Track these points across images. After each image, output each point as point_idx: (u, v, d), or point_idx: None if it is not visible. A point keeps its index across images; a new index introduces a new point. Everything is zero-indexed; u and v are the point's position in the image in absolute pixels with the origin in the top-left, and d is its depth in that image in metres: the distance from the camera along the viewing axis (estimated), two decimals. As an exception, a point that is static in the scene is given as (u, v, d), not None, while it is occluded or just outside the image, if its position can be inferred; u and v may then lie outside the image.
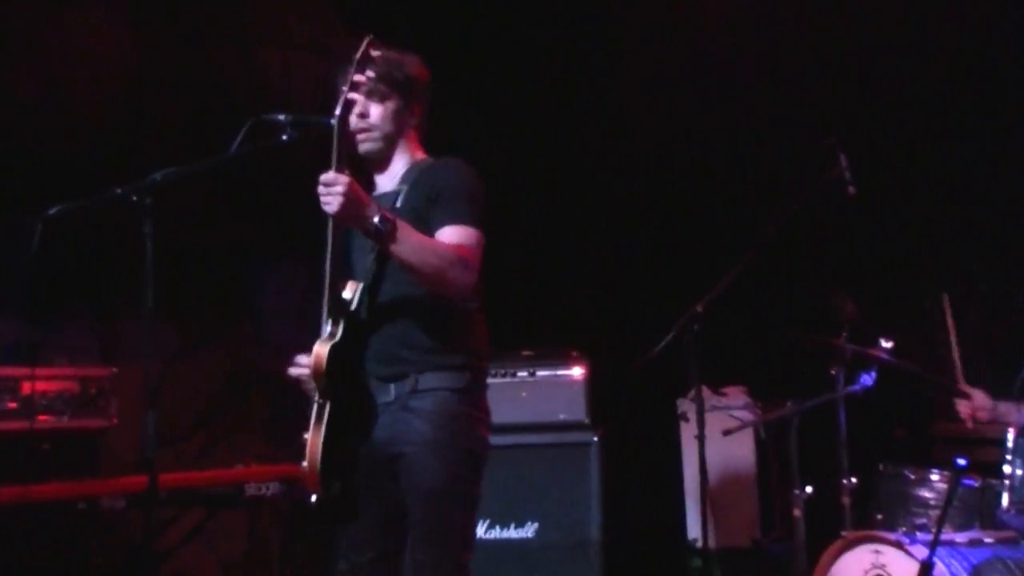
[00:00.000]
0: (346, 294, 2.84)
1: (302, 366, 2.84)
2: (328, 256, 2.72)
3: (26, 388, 3.90)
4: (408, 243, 2.69)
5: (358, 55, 2.74)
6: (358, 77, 2.73)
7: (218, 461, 4.91)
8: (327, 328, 2.77)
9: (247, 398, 5.83)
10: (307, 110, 3.09)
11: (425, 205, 2.85)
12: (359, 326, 2.83)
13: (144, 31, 5.38)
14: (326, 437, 2.71)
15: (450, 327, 2.85)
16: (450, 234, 2.80)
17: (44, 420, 3.97)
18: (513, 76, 5.61)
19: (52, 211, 2.93)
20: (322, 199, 2.63)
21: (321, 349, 2.73)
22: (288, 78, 5.74)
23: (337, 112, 2.73)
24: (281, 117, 2.87)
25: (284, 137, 2.88)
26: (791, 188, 4.13)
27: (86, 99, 5.27)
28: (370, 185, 3.01)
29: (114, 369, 4.25)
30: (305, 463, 2.72)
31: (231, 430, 5.66)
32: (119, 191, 2.85)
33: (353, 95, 2.74)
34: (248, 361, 5.75)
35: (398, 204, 2.88)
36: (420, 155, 3.02)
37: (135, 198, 2.83)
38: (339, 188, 2.61)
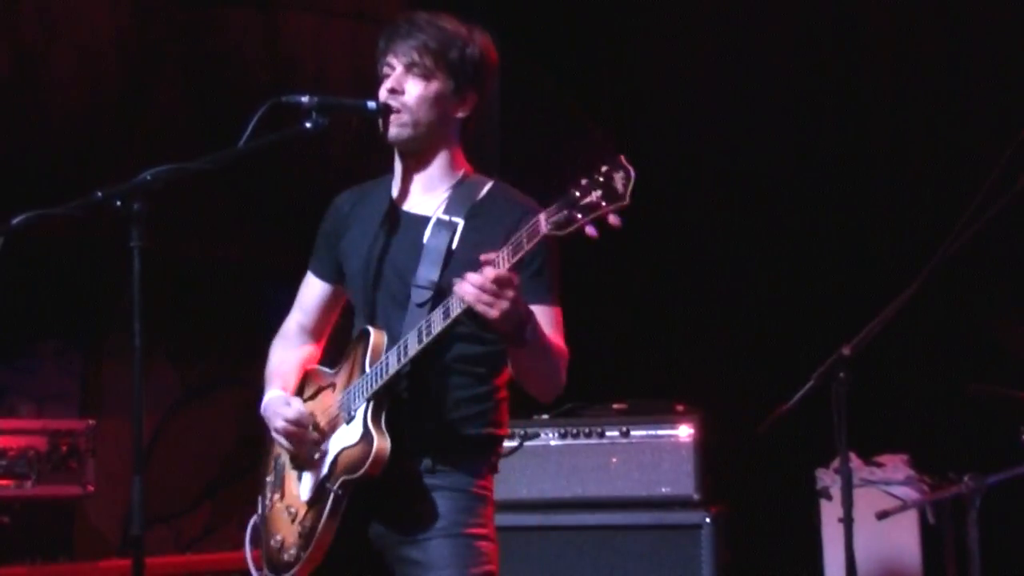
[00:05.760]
0: (374, 341, 2.88)
1: (300, 425, 2.93)
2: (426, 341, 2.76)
3: (-22, 444, 3.96)
4: (534, 347, 2.78)
5: (624, 191, 2.59)
6: (614, 220, 2.58)
7: (224, 541, 4.89)
8: (367, 407, 2.84)
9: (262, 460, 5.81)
10: (343, 91, 3.07)
11: None
12: (396, 397, 2.89)
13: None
14: (337, 538, 2.85)
15: (486, 405, 2.96)
16: (540, 317, 2.85)
17: (3, 485, 3.97)
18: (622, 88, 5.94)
19: (17, 220, 2.91)
20: (482, 298, 2.63)
21: (384, 445, 2.81)
22: (320, 50, 5.75)
23: (546, 228, 2.60)
24: (305, 99, 2.86)
25: (309, 125, 2.87)
26: (969, 196, 4.02)
27: (67, 79, 5.32)
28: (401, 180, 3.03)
29: (91, 421, 4.25)
30: (305, 553, 2.85)
31: (242, 501, 5.65)
32: (100, 195, 2.85)
33: (591, 230, 2.58)
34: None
35: (455, 244, 2.90)
36: (464, 168, 3.03)
37: (120, 204, 2.82)
38: (510, 294, 2.64)
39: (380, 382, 2.81)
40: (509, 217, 2.89)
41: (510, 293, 2.63)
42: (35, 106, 5.30)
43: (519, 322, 2.69)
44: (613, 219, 2.58)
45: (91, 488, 4.21)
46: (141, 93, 5.54)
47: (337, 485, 2.83)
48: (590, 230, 2.59)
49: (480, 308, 2.63)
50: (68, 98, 5.35)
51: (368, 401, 2.83)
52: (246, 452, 5.73)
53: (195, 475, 5.62)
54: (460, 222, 2.90)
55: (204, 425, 5.72)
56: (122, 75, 5.47)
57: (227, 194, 5.54)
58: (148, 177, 2.84)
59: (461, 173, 3.00)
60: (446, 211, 2.93)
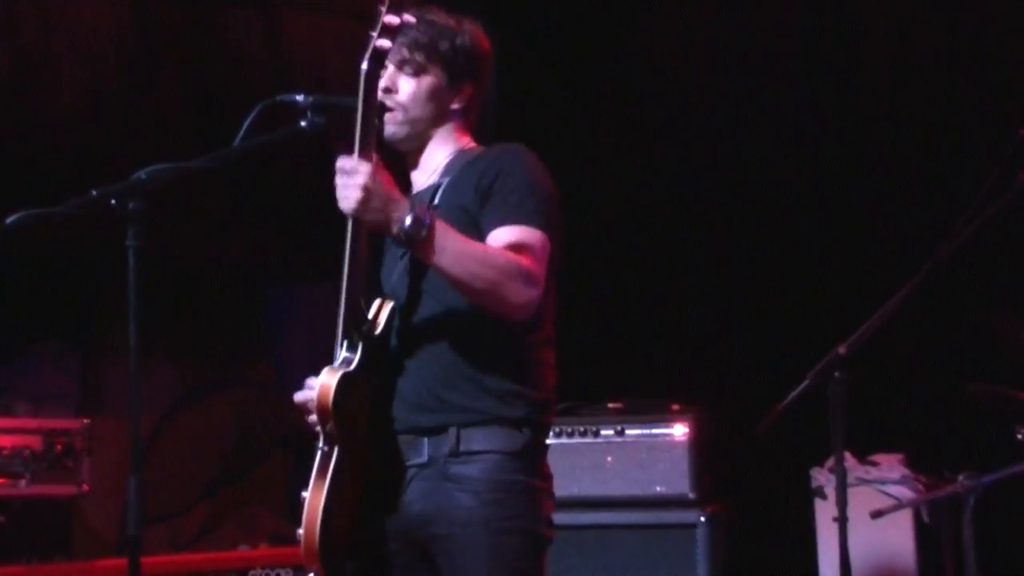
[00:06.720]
0: (370, 313, 2.79)
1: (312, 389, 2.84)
2: (346, 260, 2.71)
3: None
4: (450, 251, 2.64)
5: None
6: (390, 19, 2.68)
7: (221, 541, 4.89)
8: (340, 353, 2.72)
9: (262, 461, 5.83)
10: (343, 91, 3.07)
11: (475, 200, 2.80)
12: (386, 357, 2.78)
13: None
14: (329, 496, 2.64)
15: (509, 366, 2.77)
16: (506, 236, 2.73)
17: (-3, 484, 3.99)
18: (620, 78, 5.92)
19: (11, 219, 2.91)
20: (338, 192, 2.62)
21: (328, 380, 2.68)
22: (320, 50, 5.76)
23: (363, 67, 2.69)
24: (300, 98, 2.84)
25: (304, 124, 2.85)
26: (969, 196, 4.02)
27: (67, 79, 5.33)
28: (405, 182, 2.98)
29: (86, 420, 4.25)
30: (301, 530, 2.65)
31: (241, 502, 5.66)
32: (95, 193, 2.83)
33: (383, 42, 2.69)
34: (264, 413, 5.76)
35: (436, 201, 2.84)
36: (468, 144, 2.98)
37: (115, 202, 2.80)
38: (358, 179, 2.59)
39: (339, 316, 2.73)
40: (487, 160, 2.85)
41: (359, 179, 2.58)
42: (35, 106, 5.31)
43: (387, 215, 2.59)
44: (387, 18, 2.66)
45: (87, 487, 4.20)
46: (141, 93, 5.55)
47: (322, 441, 2.69)
48: (381, 42, 2.67)
49: (339, 201, 2.61)
50: (68, 98, 5.35)
51: (340, 347, 2.73)
52: (245, 452, 5.76)
53: (194, 475, 5.61)
54: (445, 181, 2.86)
55: (203, 425, 5.72)
56: (122, 75, 5.47)
57: (227, 194, 5.54)
58: (143, 176, 2.82)
59: (460, 146, 2.95)
60: (440, 177, 2.89)
